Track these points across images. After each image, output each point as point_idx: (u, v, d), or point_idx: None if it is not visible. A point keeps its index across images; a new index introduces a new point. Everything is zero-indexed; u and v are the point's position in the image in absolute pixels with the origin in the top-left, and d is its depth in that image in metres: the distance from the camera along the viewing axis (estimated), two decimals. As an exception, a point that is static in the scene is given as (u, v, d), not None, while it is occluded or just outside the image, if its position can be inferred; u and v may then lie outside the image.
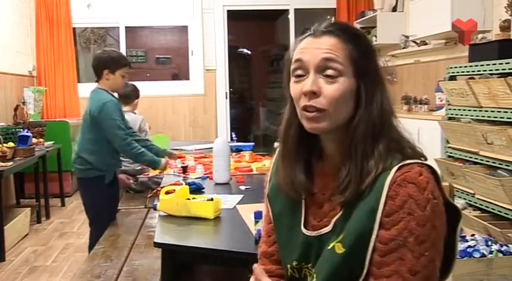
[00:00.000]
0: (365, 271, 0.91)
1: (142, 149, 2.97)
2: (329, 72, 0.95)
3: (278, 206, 1.11)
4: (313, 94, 0.95)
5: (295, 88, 0.99)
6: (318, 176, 1.06)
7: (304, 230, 1.04)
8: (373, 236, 0.91)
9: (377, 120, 0.96)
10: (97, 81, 3.01)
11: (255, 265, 1.12)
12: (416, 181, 0.90)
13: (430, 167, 0.94)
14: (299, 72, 0.98)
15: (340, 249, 0.94)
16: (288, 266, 1.07)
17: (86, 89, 6.20)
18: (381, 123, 0.96)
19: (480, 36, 3.88)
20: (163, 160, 3.06)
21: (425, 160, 0.97)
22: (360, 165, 0.94)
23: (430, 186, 0.91)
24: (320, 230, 1.01)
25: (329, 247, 0.97)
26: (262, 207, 1.18)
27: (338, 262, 0.94)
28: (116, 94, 3.09)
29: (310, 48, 0.97)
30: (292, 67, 0.99)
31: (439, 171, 3.53)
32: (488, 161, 3.12)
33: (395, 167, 0.92)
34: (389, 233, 0.89)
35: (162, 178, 3.09)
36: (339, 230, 0.96)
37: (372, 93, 0.97)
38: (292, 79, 1.00)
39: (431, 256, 0.89)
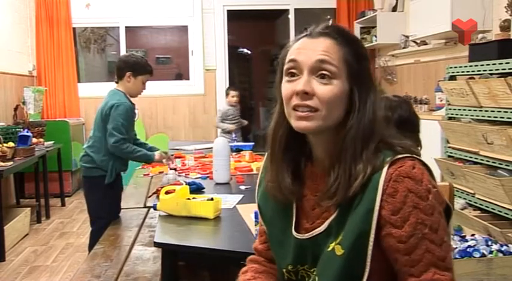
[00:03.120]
0: (367, 270, 0.92)
1: (134, 147, 3.01)
2: (323, 73, 0.95)
3: (269, 210, 1.11)
4: (306, 94, 0.95)
5: (287, 87, 0.98)
6: (309, 179, 1.05)
7: (295, 234, 1.04)
8: (372, 236, 0.91)
9: (368, 125, 0.96)
10: (117, 82, 3.05)
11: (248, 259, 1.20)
12: (411, 174, 0.91)
13: (420, 160, 0.95)
14: (293, 72, 0.98)
15: (339, 251, 0.94)
16: (284, 270, 1.07)
17: (85, 89, 6.25)
18: (371, 128, 0.96)
19: (480, 36, 3.88)
20: (156, 154, 3.09)
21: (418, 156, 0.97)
22: (348, 169, 0.94)
23: (425, 177, 0.92)
24: (312, 232, 1.01)
25: (328, 249, 0.97)
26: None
27: (339, 264, 0.94)
28: (132, 99, 3.09)
29: (305, 49, 0.97)
30: (285, 66, 0.99)
31: (438, 171, 3.54)
32: (488, 161, 3.12)
33: (387, 164, 0.93)
34: (404, 230, 0.90)
35: None
36: (335, 232, 0.96)
37: (365, 97, 0.97)
38: (285, 78, 0.99)
39: (448, 241, 0.92)
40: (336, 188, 0.95)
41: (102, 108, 2.95)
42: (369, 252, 0.91)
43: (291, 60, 0.98)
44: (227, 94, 5.65)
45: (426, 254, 0.89)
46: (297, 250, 1.03)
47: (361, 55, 0.99)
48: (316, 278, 0.99)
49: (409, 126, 1.80)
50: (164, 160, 3.15)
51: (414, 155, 0.95)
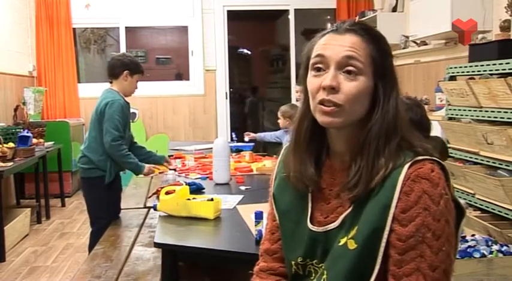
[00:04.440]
0: (377, 267, 0.92)
1: (129, 153, 2.97)
2: (350, 69, 0.97)
3: (284, 203, 1.12)
4: (332, 89, 0.96)
5: (313, 82, 1.00)
6: (326, 172, 1.07)
7: (310, 226, 1.04)
8: (386, 232, 0.92)
9: (391, 121, 0.98)
10: (111, 82, 3.06)
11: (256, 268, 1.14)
12: (429, 176, 0.92)
13: (439, 163, 0.96)
14: (319, 66, 0.99)
15: (352, 245, 0.95)
16: (292, 262, 1.07)
17: (86, 89, 6.25)
18: (394, 124, 0.98)
19: (480, 36, 3.88)
20: (146, 166, 3.05)
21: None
22: (371, 163, 0.96)
23: (441, 182, 0.93)
24: (327, 226, 1.02)
25: (340, 244, 0.97)
26: (262, 207, 1.19)
27: (351, 258, 0.95)
28: (127, 98, 3.11)
29: (332, 45, 0.98)
30: (312, 61, 1.01)
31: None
32: (488, 161, 3.12)
33: (408, 164, 0.94)
34: (407, 229, 0.91)
35: None
36: (349, 227, 0.97)
37: (389, 94, 0.99)
38: (311, 73, 1.01)
39: (448, 250, 0.91)
40: (357, 180, 0.96)
41: (97, 107, 2.96)
42: (381, 249, 0.92)
43: (318, 55, 0.99)
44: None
45: (418, 258, 0.90)
46: (309, 242, 1.04)
47: (385, 52, 1.01)
48: (325, 272, 1.00)
49: (419, 130, 1.77)
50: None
51: (434, 158, 0.96)
